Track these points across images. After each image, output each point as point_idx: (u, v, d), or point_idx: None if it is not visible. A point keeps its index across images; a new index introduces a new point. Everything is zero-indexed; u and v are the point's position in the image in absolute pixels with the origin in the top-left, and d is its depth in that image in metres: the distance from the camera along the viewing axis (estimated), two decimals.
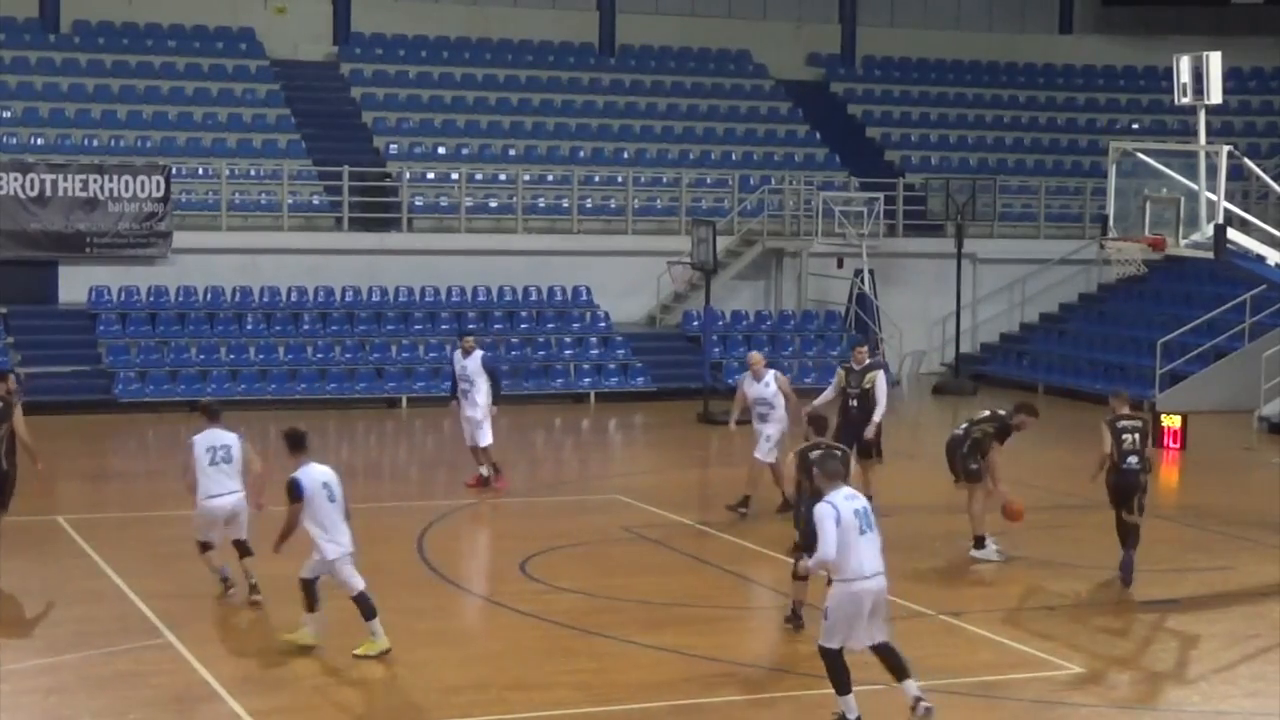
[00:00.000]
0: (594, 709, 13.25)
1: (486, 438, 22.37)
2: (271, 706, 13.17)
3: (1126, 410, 18.21)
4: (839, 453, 14.86)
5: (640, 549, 19.26)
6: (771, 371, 21.22)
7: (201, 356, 30.71)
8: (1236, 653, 15.50)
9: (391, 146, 36.23)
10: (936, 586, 17.60)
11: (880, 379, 20.71)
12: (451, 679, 13.99)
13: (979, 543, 18.63)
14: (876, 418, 20.50)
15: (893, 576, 17.64)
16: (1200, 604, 16.82)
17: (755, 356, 21.50)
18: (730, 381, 32.28)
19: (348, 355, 31.55)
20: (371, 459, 26.97)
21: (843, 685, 12.73)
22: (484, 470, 22.55)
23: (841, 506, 12.64)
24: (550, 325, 33.25)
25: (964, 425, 18.99)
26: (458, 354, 22.79)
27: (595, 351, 32.81)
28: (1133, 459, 17.52)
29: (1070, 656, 14.91)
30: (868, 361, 20.96)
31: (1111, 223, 21.59)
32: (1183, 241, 20.38)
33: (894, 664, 12.90)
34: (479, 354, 22.61)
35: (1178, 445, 26.73)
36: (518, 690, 13.67)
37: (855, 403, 20.63)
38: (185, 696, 13.42)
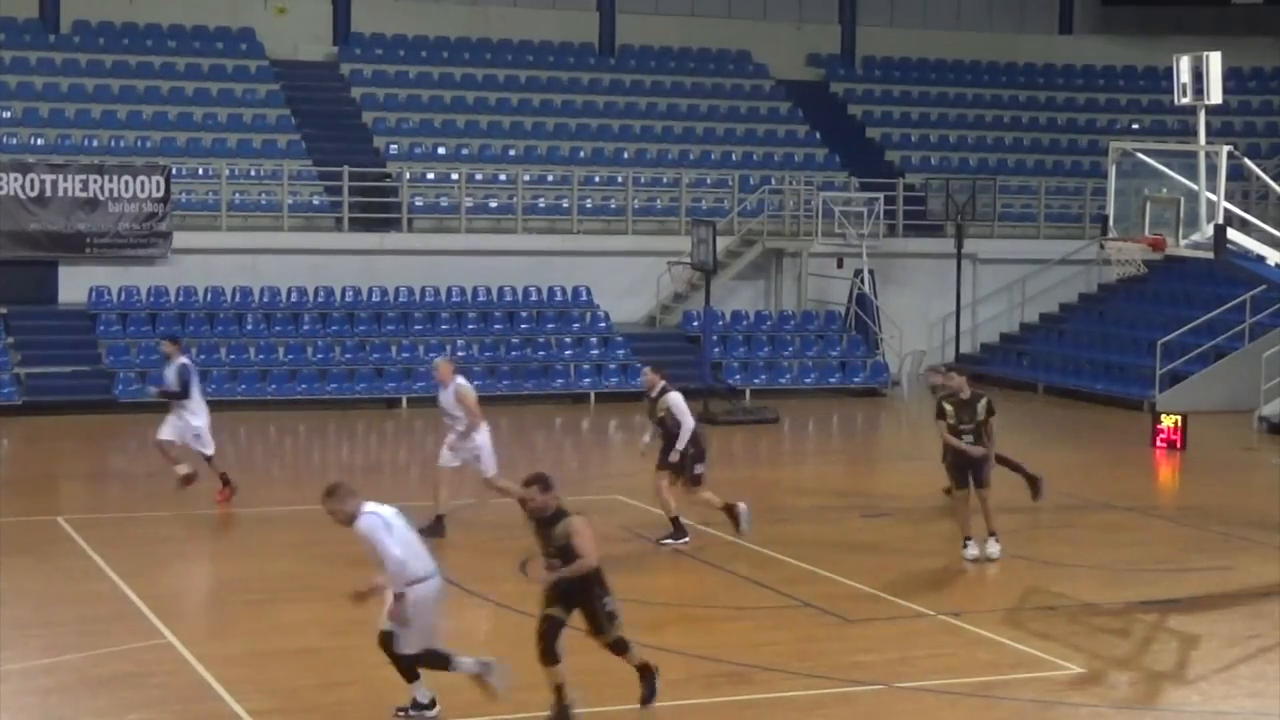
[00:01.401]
0: (594, 709, 13.24)
1: (205, 447, 21.16)
2: (271, 706, 13.17)
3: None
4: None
5: (640, 549, 19.25)
6: (458, 380, 19.43)
7: (202, 357, 30.65)
8: (1236, 653, 15.48)
9: (391, 146, 36.23)
10: (936, 586, 17.61)
11: (673, 403, 18.91)
12: (452, 679, 13.98)
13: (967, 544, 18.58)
14: (680, 444, 18.81)
15: (893, 577, 17.78)
16: (1200, 604, 16.81)
17: (440, 363, 19.83)
18: (730, 381, 32.38)
19: (348, 355, 31.55)
20: (371, 459, 26.98)
21: (448, 660, 12.74)
22: (183, 469, 21.17)
23: (382, 511, 12.55)
24: (550, 325, 33.25)
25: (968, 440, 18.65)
26: None
27: (595, 351, 32.81)
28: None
29: (1070, 656, 14.91)
30: (660, 386, 19.11)
31: (1111, 223, 21.58)
32: (1183, 241, 20.37)
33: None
34: (179, 362, 21.19)
35: (1179, 445, 26.71)
36: (518, 690, 13.65)
37: (660, 428, 19.08)
38: (185, 696, 13.42)
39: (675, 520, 19.16)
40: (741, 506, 19.25)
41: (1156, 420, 27.33)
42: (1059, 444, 28.27)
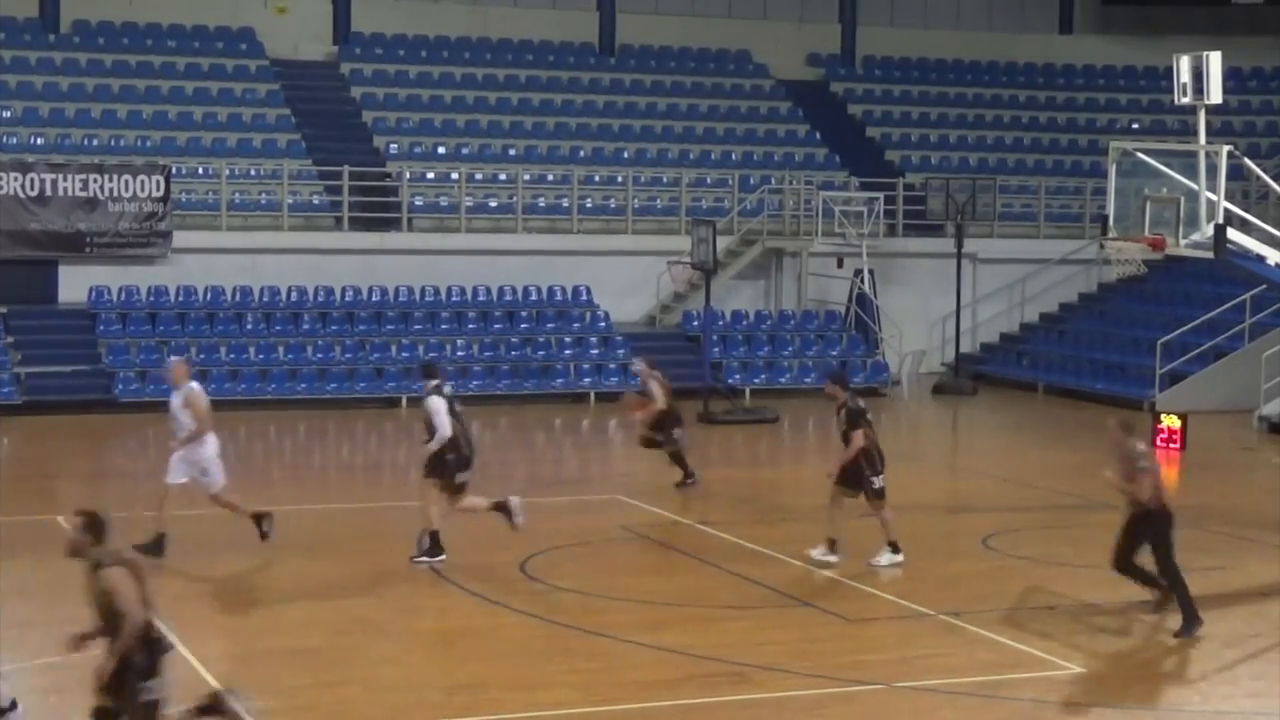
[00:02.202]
0: (594, 709, 13.25)
1: None
2: (271, 707, 13.16)
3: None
4: None
5: (640, 549, 19.26)
6: (191, 384, 18.30)
7: (201, 356, 30.69)
8: (1237, 653, 15.49)
9: (391, 146, 36.23)
10: (936, 586, 17.60)
11: (431, 408, 18.00)
12: (451, 679, 14.00)
13: (894, 548, 18.23)
14: (433, 446, 17.88)
15: (893, 576, 17.78)
16: (1200, 604, 16.79)
17: (175, 363, 18.71)
18: (730, 381, 32.38)
19: (348, 355, 31.55)
20: (371, 459, 26.97)
21: None
22: None
23: None
24: (550, 325, 33.25)
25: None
26: None
27: (595, 351, 32.81)
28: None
29: (1070, 656, 14.91)
30: (432, 384, 18.26)
31: (1111, 223, 21.60)
32: (1183, 241, 20.39)
33: None
34: None
35: (1178, 445, 26.70)
36: (518, 690, 13.67)
37: (427, 430, 18.16)
38: (185, 696, 13.40)
39: (434, 535, 18.04)
40: (514, 500, 18.37)
41: (1157, 420, 27.32)
42: (1059, 444, 28.27)
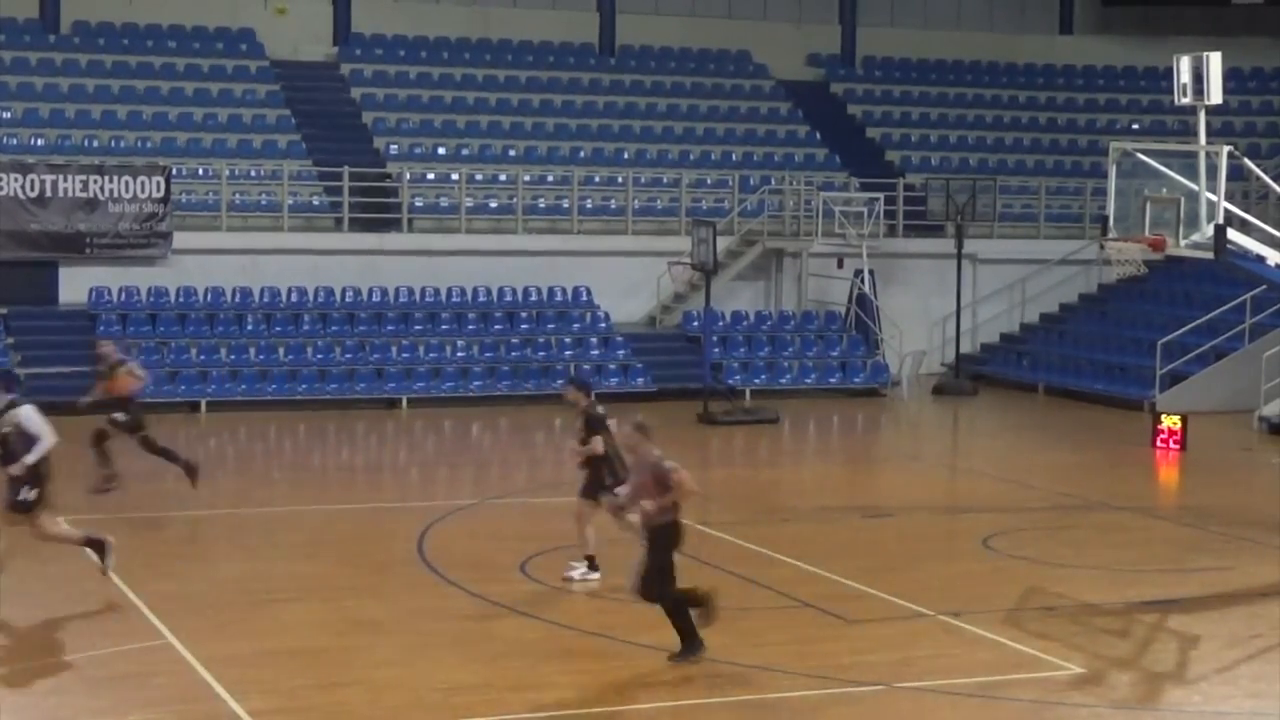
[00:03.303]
0: (594, 709, 13.25)
1: None
2: (271, 706, 13.17)
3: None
4: None
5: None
6: None
7: (202, 357, 30.72)
8: (1237, 653, 15.49)
9: (391, 146, 36.23)
10: (936, 586, 17.60)
11: (24, 418, 15.82)
12: (451, 679, 14.00)
13: (592, 563, 17.55)
14: (30, 459, 15.68)
15: (893, 577, 17.78)
16: (1200, 604, 16.82)
17: None
18: (730, 381, 32.37)
19: (348, 355, 31.54)
20: (371, 459, 26.97)
21: None
22: None
23: None
24: (550, 325, 33.25)
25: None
26: None
27: (595, 352, 32.81)
28: None
29: (1070, 656, 14.91)
30: (8, 397, 15.92)
31: (1111, 223, 21.60)
32: (1183, 241, 20.39)
33: None
34: None
35: (1178, 446, 26.69)
36: (518, 690, 13.67)
37: (1, 448, 15.80)
38: (185, 696, 13.42)
39: None
40: (109, 540, 16.70)
41: (1157, 420, 27.31)
42: (1059, 444, 28.28)
